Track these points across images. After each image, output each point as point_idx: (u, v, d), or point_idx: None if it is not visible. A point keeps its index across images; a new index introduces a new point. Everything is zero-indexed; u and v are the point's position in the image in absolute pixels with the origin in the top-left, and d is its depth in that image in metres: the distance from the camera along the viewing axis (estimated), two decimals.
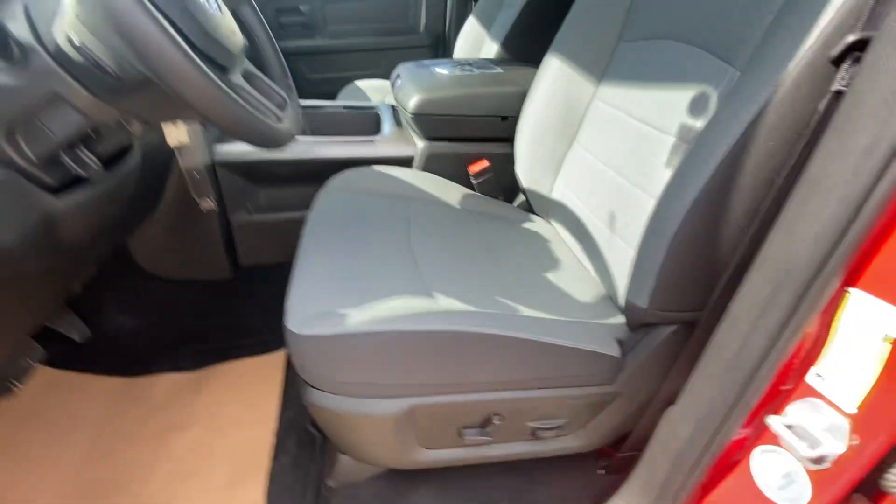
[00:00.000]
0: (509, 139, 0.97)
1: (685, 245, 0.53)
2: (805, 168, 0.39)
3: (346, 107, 1.19)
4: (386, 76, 1.91)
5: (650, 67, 0.69)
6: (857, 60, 0.39)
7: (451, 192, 0.94)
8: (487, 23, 1.56)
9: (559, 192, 0.87)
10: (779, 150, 0.46)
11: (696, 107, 0.58)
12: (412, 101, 0.94)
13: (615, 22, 0.78)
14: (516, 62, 1.13)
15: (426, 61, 1.15)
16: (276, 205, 1.05)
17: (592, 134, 0.80)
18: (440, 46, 1.89)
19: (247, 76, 0.60)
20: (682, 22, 0.65)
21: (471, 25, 1.62)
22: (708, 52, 0.59)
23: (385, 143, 1.02)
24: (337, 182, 0.88)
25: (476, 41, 1.59)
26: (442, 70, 1.03)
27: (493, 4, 1.54)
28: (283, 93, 0.63)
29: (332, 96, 1.68)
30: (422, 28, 1.87)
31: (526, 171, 0.91)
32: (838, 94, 0.40)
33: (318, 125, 1.08)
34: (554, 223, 0.90)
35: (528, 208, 0.97)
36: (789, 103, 0.45)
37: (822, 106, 0.43)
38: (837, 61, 0.41)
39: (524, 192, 0.94)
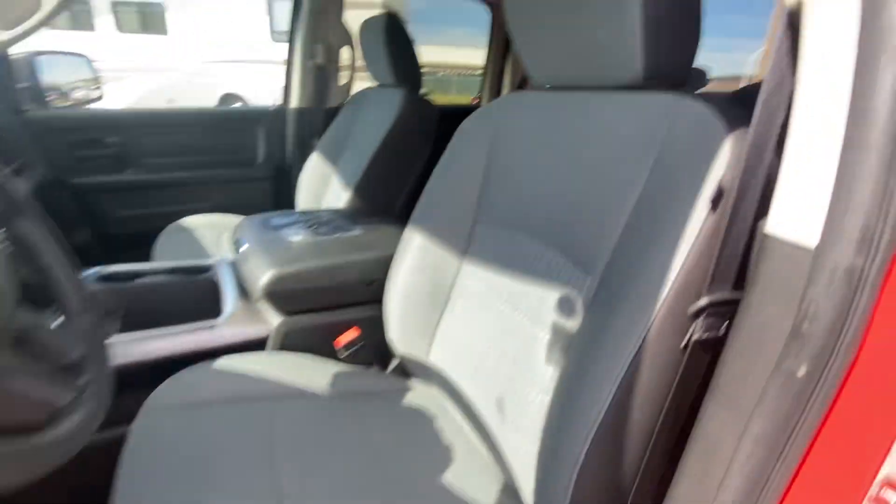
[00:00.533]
0: (378, 300, 0.92)
1: (607, 439, 0.51)
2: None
3: (171, 270, 0.99)
4: (220, 209, 1.74)
5: (510, 258, 0.70)
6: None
7: (317, 375, 0.82)
8: (333, 160, 1.56)
9: (437, 358, 0.84)
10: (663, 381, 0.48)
11: (565, 309, 0.61)
12: (264, 279, 0.83)
13: (469, 202, 0.78)
14: (375, 221, 1.12)
15: (273, 218, 1.06)
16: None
17: (466, 309, 0.79)
18: (282, 180, 1.81)
19: (20, 340, 0.42)
20: (534, 218, 0.66)
21: (315, 162, 1.60)
22: (562, 254, 0.61)
23: (230, 326, 0.86)
24: (164, 394, 0.69)
25: (322, 178, 1.57)
26: (295, 237, 0.95)
27: (338, 142, 1.57)
28: (79, 350, 0.46)
29: (150, 239, 1.42)
30: (260, 159, 1.78)
31: (399, 338, 0.86)
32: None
33: (134, 307, 0.86)
34: (435, 390, 0.85)
35: (405, 373, 0.92)
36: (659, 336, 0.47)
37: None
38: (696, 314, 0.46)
39: (400, 357, 0.90)
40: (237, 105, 7.45)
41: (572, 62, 0.63)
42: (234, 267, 0.97)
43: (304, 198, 1.59)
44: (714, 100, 0.50)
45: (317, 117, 1.72)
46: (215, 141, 1.69)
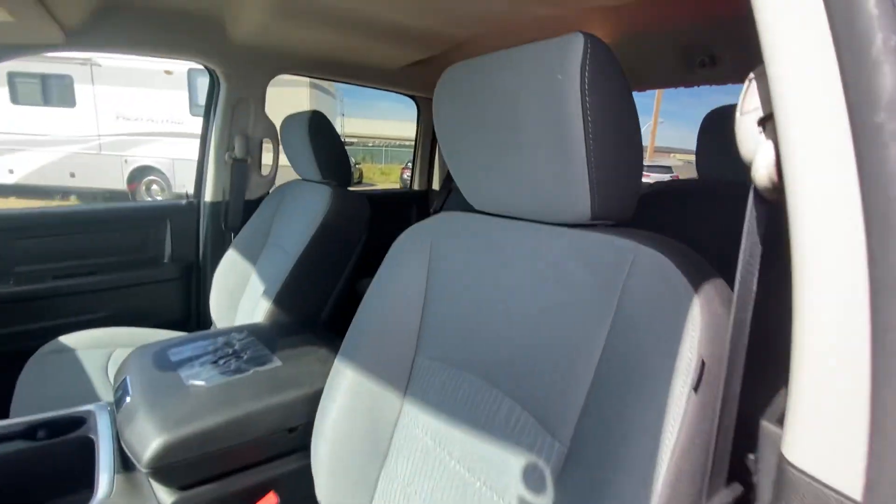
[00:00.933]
0: (302, 449, 0.77)
1: None
2: None
3: (27, 427, 0.76)
4: (117, 319, 1.48)
5: (460, 405, 0.60)
6: None
7: None
8: (251, 258, 1.41)
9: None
10: None
11: (531, 480, 0.51)
12: (150, 450, 0.65)
13: (409, 330, 0.68)
14: (298, 341, 0.97)
15: (171, 349, 0.88)
16: None
17: (411, 464, 0.66)
18: (193, 279, 1.60)
19: None
20: (484, 359, 0.58)
21: (230, 260, 1.43)
22: (521, 407, 0.53)
23: None
24: None
25: (239, 279, 1.40)
26: (195, 379, 0.78)
27: (257, 239, 1.42)
28: None
29: (11, 365, 1.14)
30: (167, 258, 1.57)
31: (329, 498, 0.70)
32: None
33: None
34: None
35: None
36: None
37: None
38: None
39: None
40: (157, 197, 7.02)
41: (513, 196, 0.58)
42: (116, 422, 0.77)
43: (217, 301, 1.40)
44: (670, 247, 0.46)
45: (234, 211, 1.57)
46: (112, 240, 1.47)
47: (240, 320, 1.35)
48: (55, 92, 6.97)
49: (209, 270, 1.58)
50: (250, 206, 1.61)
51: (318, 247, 1.17)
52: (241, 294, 1.40)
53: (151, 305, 1.53)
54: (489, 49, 0.58)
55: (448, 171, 2.15)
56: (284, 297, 1.14)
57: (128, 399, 0.74)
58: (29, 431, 0.77)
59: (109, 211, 1.47)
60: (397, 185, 11.52)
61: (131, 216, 1.50)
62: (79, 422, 0.80)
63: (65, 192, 7.15)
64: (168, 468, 0.66)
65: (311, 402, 0.77)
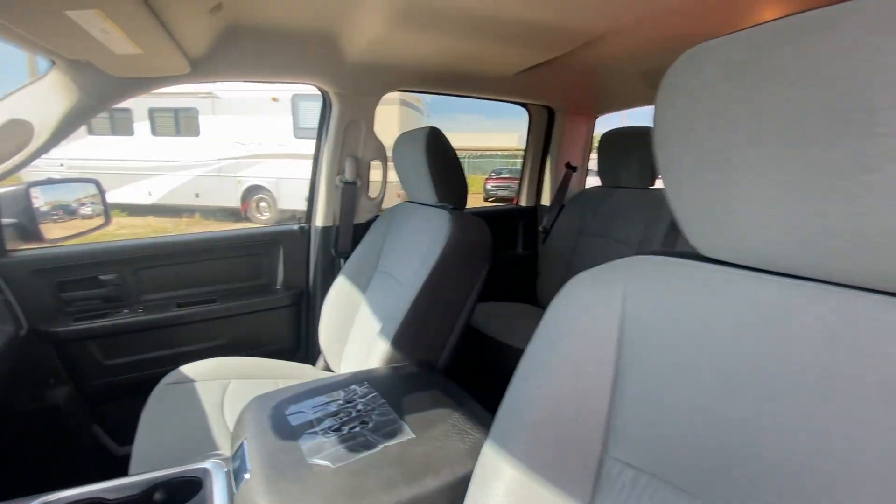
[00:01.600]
0: None
1: None
2: None
3: (147, 489, 0.69)
4: (231, 347, 1.48)
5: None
6: None
7: None
8: (361, 286, 1.31)
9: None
10: None
11: None
12: None
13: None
14: (426, 398, 0.81)
15: (290, 405, 0.77)
16: None
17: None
18: (303, 307, 1.56)
19: None
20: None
21: (340, 288, 1.34)
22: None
23: None
24: None
25: (350, 307, 1.30)
26: (321, 459, 0.64)
27: (366, 266, 1.32)
28: None
29: (143, 388, 1.15)
30: (279, 284, 1.54)
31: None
32: None
33: None
34: None
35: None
36: None
37: None
38: None
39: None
40: (256, 226, 7.66)
41: (831, 244, 0.35)
42: (232, 494, 0.67)
43: (326, 332, 1.32)
44: None
45: (344, 236, 1.50)
46: (228, 267, 1.47)
47: (349, 355, 1.25)
48: (184, 123, 7.94)
49: (319, 298, 1.52)
50: (359, 231, 1.54)
51: (439, 279, 1.02)
52: (350, 325, 1.30)
53: (263, 333, 1.50)
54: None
55: (561, 185, 1.92)
56: (403, 338, 1.00)
57: (246, 476, 0.64)
58: (146, 495, 0.71)
59: (226, 237, 1.46)
60: (480, 195, 11.41)
61: (246, 242, 1.49)
62: (195, 484, 0.72)
63: (191, 211, 8.07)
64: None
65: (452, 495, 0.61)
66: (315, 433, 0.70)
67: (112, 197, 8.04)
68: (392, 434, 0.69)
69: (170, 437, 0.96)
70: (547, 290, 1.86)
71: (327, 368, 1.36)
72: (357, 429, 0.71)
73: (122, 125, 8.10)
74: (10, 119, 0.99)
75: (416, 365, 1.00)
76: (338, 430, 0.70)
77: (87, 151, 7.93)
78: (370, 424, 0.72)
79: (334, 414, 0.75)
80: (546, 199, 2.00)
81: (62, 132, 1.03)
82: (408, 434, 0.70)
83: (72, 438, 1.27)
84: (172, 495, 0.71)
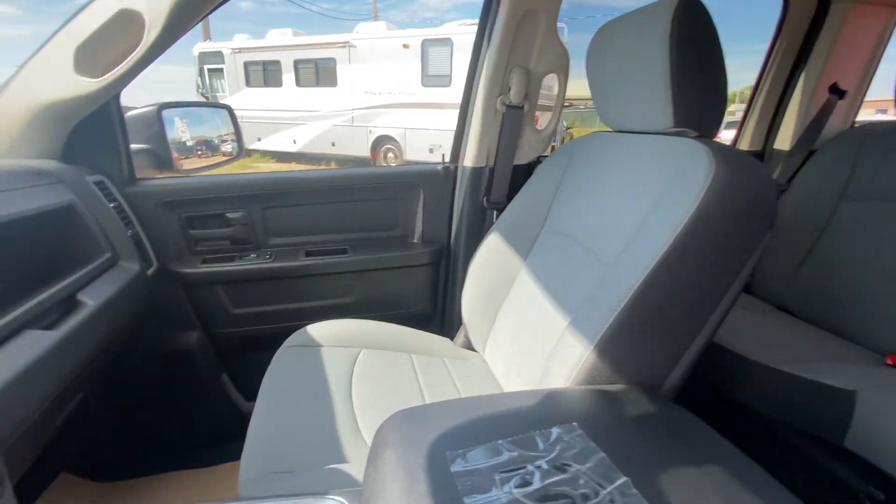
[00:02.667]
0: None
1: None
2: None
3: None
4: (358, 309, 1.26)
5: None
6: None
7: None
8: (521, 250, 0.94)
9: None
10: None
11: None
12: None
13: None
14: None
15: (450, 444, 0.45)
16: None
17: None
18: (443, 267, 1.26)
19: None
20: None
21: (493, 248, 0.99)
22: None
23: None
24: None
25: (503, 274, 0.95)
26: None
27: (530, 223, 0.94)
28: None
29: (269, 343, 0.98)
30: (417, 237, 1.26)
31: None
32: None
33: None
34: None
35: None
36: None
37: None
38: None
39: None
40: (391, 164, 7.76)
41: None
42: None
43: (470, 302, 0.99)
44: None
45: (500, 181, 1.14)
46: (361, 213, 1.22)
47: (504, 341, 0.91)
48: (323, 74, 8.24)
49: (462, 258, 1.21)
50: (519, 176, 1.16)
51: (685, 255, 0.59)
52: (502, 298, 0.96)
53: (396, 295, 1.25)
54: None
55: (815, 119, 1.29)
56: (613, 345, 0.61)
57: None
58: None
59: (361, 175, 1.21)
60: None
61: (383, 182, 1.22)
62: None
63: (328, 159, 8.53)
64: None
65: None
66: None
67: (265, 145, 8.91)
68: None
69: (291, 410, 0.79)
70: (772, 279, 1.30)
71: (469, 347, 1.05)
72: None
73: (273, 77, 8.74)
74: (120, 9, 0.79)
75: (635, 389, 0.61)
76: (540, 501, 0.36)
77: (245, 102, 8.77)
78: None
79: (523, 475, 0.41)
80: (784, 143, 1.38)
81: (174, 27, 0.81)
82: None
83: (202, 385, 1.19)
84: None
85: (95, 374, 0.93)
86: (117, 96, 0.96)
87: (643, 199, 0.69)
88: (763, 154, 1.43)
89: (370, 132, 8.11)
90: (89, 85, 0.83)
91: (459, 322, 1.09)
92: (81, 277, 0.80)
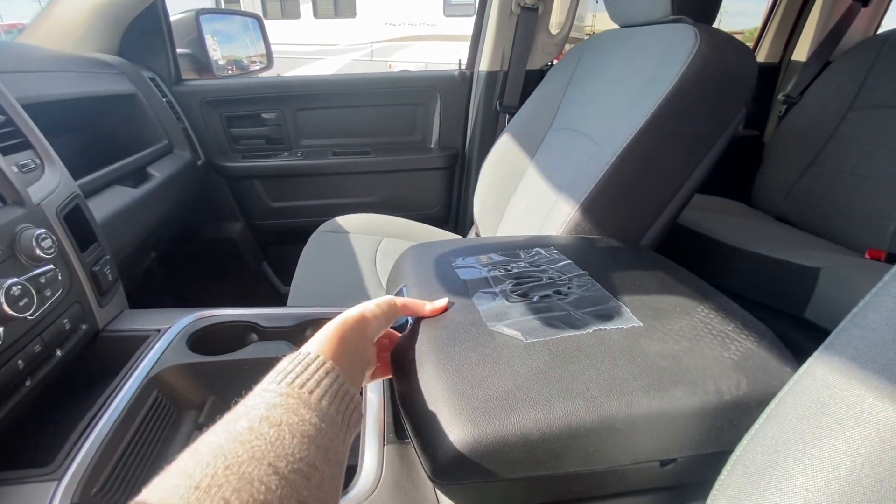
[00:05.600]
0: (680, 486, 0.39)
1: None
2: None
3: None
4: (380, 207, 1.39)
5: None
6: None
7: None
8: (529, 146, 1.03)
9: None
10: None
11: None
12: (442, 454, 0.35)
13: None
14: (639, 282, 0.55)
15: (454, 256, 0.58)
16: None
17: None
18: (457, 169, 1.36)
19: None
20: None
21: (505, 148, 1.09)
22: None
23: None
24: None
25: (513, 171, 1.05)
26: (506, 328, 0.44)
27: (540, 120, 1.03)
28: None
29: (301, 235, 1.13)
30: (433, 143, 1.35)
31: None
32: None
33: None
34: None
35: None
36: None
37: None
38: None
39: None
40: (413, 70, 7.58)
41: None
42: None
43: (482, 200, 1.10)
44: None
45: (513, 84, 1.20)
46: (382, 116, 1.32)
47: (509, 228, 1.03)
48: (342, 3, 7.95)
49: (475, 162, 1.31)
50: (531, 81, 1.22)
51: (666, 122, 0.68)
52: (511, 193, 1.07)
53: (414, 196, 1.37)
54: None
55: (835, 28, 1.29)
56: (595, 206, 0.72)
57: (409, 324, 0.48)
58: (298, 329, 0.63)
59: (383, 79, 1.29)
60: None
61: (402, 86, 1.29)
62: None
63: None
64: (465, 488, 0.36)
65: (716, 424, 0.37)
66: (493, 293, 0.50)
67: None
68: (606, 316, 0.46)
69: (324, 281, 0.93)
70: (772, 189, 1.35)
71: None
72: (552, 298, 0.49)
73: (290, 8, 8.47)
74: None
75: (613, 238, 0.73)
76: (523, 295, 0.49)
77: None
78: (570, 298, 0.49)
79: (516, 276, 0.54)
80: (802, 54, 1.38)
81: None
82: (631, 320, 0.45)
83: (246, 269, 1.36)
84: None
85: (164, 241, 1.09)
86: (164, 1, 1.06)
87: (636, 82, 0.76)
88: (780, 66, 1.43)
89: (390, 67, 7.92)
90: None
91: (472, 224, 1.21)
92: (149, 155, 0.94)
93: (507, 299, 0.49)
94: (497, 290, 0.51)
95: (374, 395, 0.52)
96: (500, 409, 0.35)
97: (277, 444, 0.22)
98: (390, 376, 0.44)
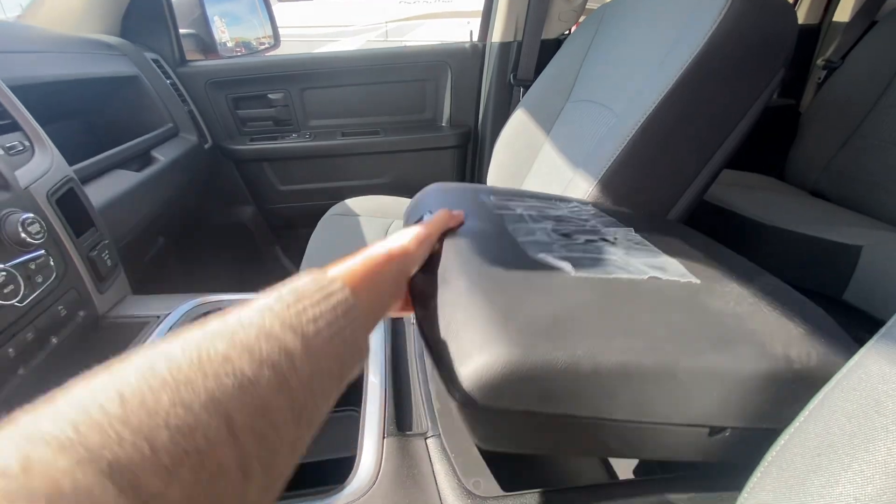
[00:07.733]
0: (718, 469, 0.36)
1: None
2: None
3: None
4: (391, 189, 1.35)
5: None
6: None
7: None
8: (545, 121, 0.98)
9: None
10: None
11: None
12: (484, 369, 0.30)
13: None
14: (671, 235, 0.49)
15: (482, 192, 0.54)
16: None
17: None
18: (469, 149, 1.31)
19: None
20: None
21: (519, 123, 1.03)
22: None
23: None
24: None
25: (528, 146, 1.00)
26: (553, 258, 0.40)
27: (555, 93, 0.97)
28: None
29: (310, 222, 1.11)
30: (445, 121, 1.30)
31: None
32: None
33: None
34: None
35: None
36: None
37: None
38: None
39: None
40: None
41: None
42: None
43: (495, 179, 1.06)
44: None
45: (527, 56, 1.14)
46: (392, 94, 1.27)
47: None
48: None
49: (489, 139, 1.25)
50: (546, 52, 1.15)
51: (695, 87, 0.62)
52: (526, 171, 1.02)
53: (426, 176, 1.33)
54: None
55: None
56: (617, 179, 0.67)
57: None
58: None
59: (391, 54, 1.24)
60: None
61: (413, 60, 1.24)
62: None
63: None
64: (496, 416, 0.31)
65: (785, 389, 0.31)
66: (531, 229, 0.45)
67: None
68: (661, 267, 0.41)
69: (334, 261, 0.90)
70: (808, 163, 1.26)
71: None
72: (598, 243, 0.44)
73: None
74: None
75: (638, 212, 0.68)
76: (566, 234, 0.45)
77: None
78: (616, 242, 0.45)
79: (556, 219, 0.49)
80: (845, 14, 1.27)
81: None
82: (688, 276, 0.41)
83: (258, 254, 1.36)
84: None
85: (174, 227, 1.09)
86: None
87: (661, 46, 0.70)
88: (819, 27, 1.32)
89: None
90: None
91: None
92: (152, 138, 0.92)
93: (547, 236, 0.45)
94: (536, 226, 0.47)
95: (375, 378, 0.50)
96: (550, 332, 0.30)
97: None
98: (408, 313, 0.40)
